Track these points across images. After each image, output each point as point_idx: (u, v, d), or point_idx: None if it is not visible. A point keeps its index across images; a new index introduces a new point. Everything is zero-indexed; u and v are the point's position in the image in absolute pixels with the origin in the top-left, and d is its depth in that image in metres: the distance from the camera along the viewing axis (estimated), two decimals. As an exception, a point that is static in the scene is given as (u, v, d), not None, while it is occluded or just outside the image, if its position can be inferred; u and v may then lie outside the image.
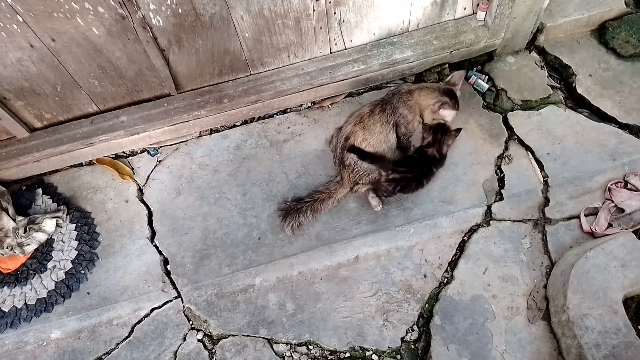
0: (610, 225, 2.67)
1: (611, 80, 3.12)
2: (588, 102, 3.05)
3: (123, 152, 3.01)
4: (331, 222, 2.74)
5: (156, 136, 2.93)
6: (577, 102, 3.10)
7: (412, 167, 2.71)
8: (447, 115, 2.68)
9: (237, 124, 3.10)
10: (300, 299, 2.57)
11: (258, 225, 2.75)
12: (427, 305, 2.53)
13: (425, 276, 2.60)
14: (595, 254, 2.46)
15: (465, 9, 2.99)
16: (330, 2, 2.63)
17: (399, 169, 2.69)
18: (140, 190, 2.91)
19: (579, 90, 3.09)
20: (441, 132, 2.73)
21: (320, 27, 2.76)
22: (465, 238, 2.69)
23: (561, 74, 3.21)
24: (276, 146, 3.01)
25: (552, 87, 3.14)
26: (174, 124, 2.88)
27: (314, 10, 2.64)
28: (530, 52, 3.27)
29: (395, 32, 2.98)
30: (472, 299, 2.51)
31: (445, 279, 2.59)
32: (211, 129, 3.08)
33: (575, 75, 3.13)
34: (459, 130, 2.81)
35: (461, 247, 2.67)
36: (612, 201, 2.73)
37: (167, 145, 3.04)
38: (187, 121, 2.87)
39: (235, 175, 2.92)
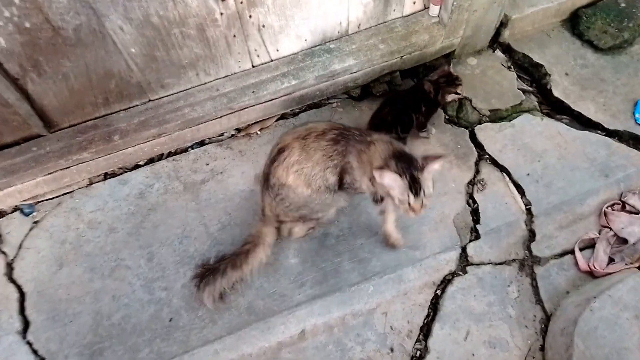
0: (611, 260, 2.17)
1: (591, 79, 2.63)
2: (567, 107, 2.56)
3: (-14, 214, 2.27)
4: (266, 287, 2.10)
5: (29, 190, 2.21)
6: (555, 108, 2.60)
7: (398, 102, 2.30)
8: (389, 185, 1.72)
9: (140, 163, 2.41)
10: (231, 400, 1.92)
11: (169, 300, 2.08)
12: (398, 393, 1.93)
13: (392, 350, 2.00)
14: (602, 304, 1.94)
15: (414, 3, 2.42)
16: (242, 3, 1.99)
17: (385, 109, 2.30)
18: (9, 265, 2.17)
19: (556, 93, 2.59)
20: (446, 80, 2.33)
21: (234, 35, 2.12)
22: (438, 292, 2.12)
23: (533, 74, 2.70)
24: (192, 190, 2.34)
25: (524, 92, 2.62)
26: (50, 173, 2.17)
27: (222, 14, 2.00)
28: (494, 51, 2.75)
29: (331, 37, 2.38)
30: (454, 378, 1.94)
31: (418, 352, 2.00)
32: (105, 173, 2.38)
33: (550, 75, 2.63)
34: (459, 91, 2.37)
35: (434, 306, 2.10)
36: (611, 229, 2.23)
37: (47, 200, 2.32)
38: (66, 168, 2.17)
39: (138, 233, 2.24)
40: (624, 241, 2.19)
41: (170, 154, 2.44)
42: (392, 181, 1.68)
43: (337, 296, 2.08)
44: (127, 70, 2.05)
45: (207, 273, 2.00)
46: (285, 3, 2.08)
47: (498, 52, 2.75)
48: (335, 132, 1.85)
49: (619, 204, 2.29)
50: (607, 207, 2.27)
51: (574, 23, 2.77)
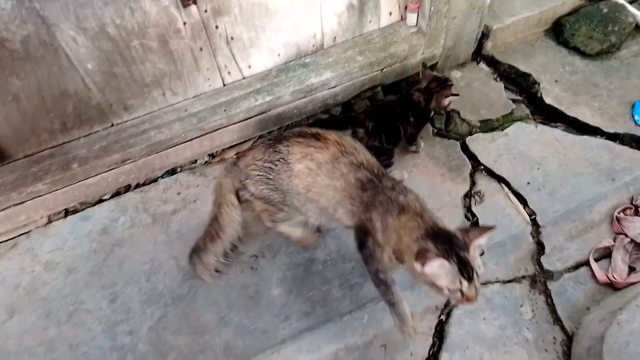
0: (632, 270, 1.94)
1: (583, 84, 2.51)
2: (562, 113, 2.41)
3: None
4: (246, 324, 1.84)
5: (-21, 230, 1.98)
6: (548, 115, 2.45)
7: (383, 113, 2.13)
8: (434, 275, 1.35)
9: (105, 197, 2.20)
10: None
11: (134, 346, 1.80)
12: None
13: (395, 387, 1.72)
14: (630, 316, 1.70)
15: (391, 14, 2.32)
16: (206, 11, 1.87)
17: (370, 116, 2.09)
18: (-49, 316, 1.91)
19: (547, 101, 2.45)
20: (438, 83, 2.11)
21: (201, 49, 1.98)
22: (443, 317, 1.87)
23: (521, 85, 2.57)
24: (162, 221, 2.12)
25: (514, 101, 2.48)
26: (2, 210, 1.95)
27: (185, 24, 1.87)
28: (478, 64, 2.64)
29: (306, 51, 2.25)
30: (470, 416, 1.65)
31: (426, 388, 1.72)
32: (66, 210, 2.16)
33: (539, 84, 2.50)
34: (455, 91, 2.12)
35: (439, 333, 1.83)
36: (626, 235, 2.01)
37: (1, 242, 2.08)
38: (20, 203, 1.96)
39: (100, 272, 1.99)
40: (643, 247, 1.97)
41: (138, 186, 2.24)
42: (438, 269, 1.32)
43: (328, 328, 1.82)
44: (84, 90, 1.89)
45: (193, 253, 1.84)
46: (253, 12, 1.96)
47: (482, 65, 2.63)
48: (368, 176, 1.56)
49: (631, 209, 2.09)
50: (618, 213, 2.07)
51: (557, 32, 2.69)
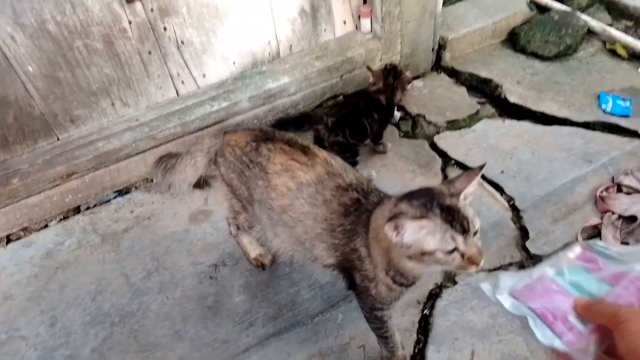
0: (625, 244, 1.78)
1: (545, 83, 2.50)
2: (528, 109, 2.37)
3: None
4: (203, 336, 1.61)
5: None
6: (515, 113, 2.40)
7: (344, 107, 2.07)
8: (417, 241, 1.06)
9: (50, 223, 2.02)
10: None
11: (72, 369, 1.55)
12: None
13: (379, 392, 1.47)
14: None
15: (345, 23, 2.34)
16: (152, 10, 1.84)
17: (330, 112, 2.05)
18: None
19: (512, 99, 2.42)
20: (393, 76, 2.06)
21: (150, 52, 1.93)
22: (426, 311, 1.66)
23: (483, 90, 2.55)
24: (111, 240, 1.94)
25: (479, 103, 2.45)
26: None
27: (130, 23, 1.82)
28: (439, 74, 2.63)
29: (263, 60, 2.22)
30: (467, 413, 1.40)
31: (414, 388, 1.48)
32: (8, 237, 1.97)
33: (501, 86, 2.48)
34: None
35: (424, 328, 1.62)
36: (613, 212, 1.88)
37: None
38: (-49, 225, 1.77)
39: (40, 297, 1.77)
40: (631, 221, 1.84)
41: (88, 209, 2.07)
42: (419, 230, 1.03)
43: (297, 332, 1.60)
44: (26, 97, 1.79)
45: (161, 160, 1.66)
46: (202, 13, 1.93)
47: (443, 75, 2.63)
48: (354, 196, 1.29)
49: (613, 187, 1.98)
50: (601, 192, 1.95)
51: (513, 41, 2.72)
